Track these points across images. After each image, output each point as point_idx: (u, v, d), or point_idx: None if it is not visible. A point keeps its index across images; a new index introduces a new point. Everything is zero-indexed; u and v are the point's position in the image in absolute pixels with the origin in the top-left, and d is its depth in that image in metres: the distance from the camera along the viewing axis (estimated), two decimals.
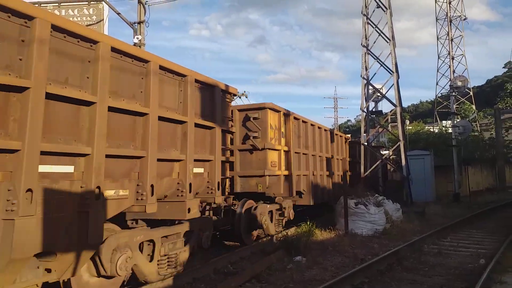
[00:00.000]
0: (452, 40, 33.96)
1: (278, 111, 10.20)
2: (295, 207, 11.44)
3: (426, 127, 47.42)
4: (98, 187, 4.55)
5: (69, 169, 4.40)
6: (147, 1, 14.67)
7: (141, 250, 5.74)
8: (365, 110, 18.95)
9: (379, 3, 18.54)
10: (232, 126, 7.93)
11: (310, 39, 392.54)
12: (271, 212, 10.11)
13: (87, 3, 14.65)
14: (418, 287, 6.32)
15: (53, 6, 14.30)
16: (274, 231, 10.21)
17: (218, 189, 6.95)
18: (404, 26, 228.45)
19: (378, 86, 20.23)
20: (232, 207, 8.92)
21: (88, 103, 4.57)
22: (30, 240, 3.83)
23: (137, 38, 14.19)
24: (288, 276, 6.73)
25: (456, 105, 32.81)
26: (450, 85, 26.24)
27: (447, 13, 33.93)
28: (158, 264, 5.96)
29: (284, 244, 8.60)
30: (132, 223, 5.98)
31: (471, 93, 37.28)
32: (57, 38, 4.31)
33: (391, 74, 18.21)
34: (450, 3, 34.00)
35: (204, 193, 6.85)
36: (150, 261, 5.88)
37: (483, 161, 31.32)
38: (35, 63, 3.94)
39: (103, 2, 14.55)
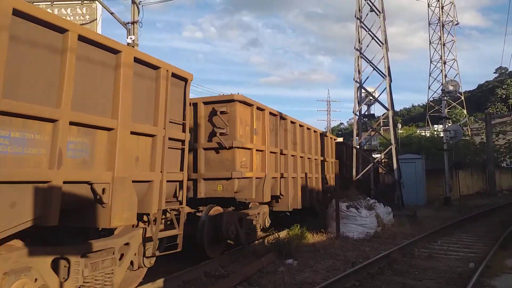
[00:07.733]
0: (444, 44, 34.30)
1: (250, 105, 8.98)
2: (275, 212, 10.78)
3: (418, 131, 47.81)
4: None
5: None
6: (140, 1, 14.62)
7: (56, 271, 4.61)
8: (357, 113, 19.02)
9: (373, 7, 18.64)
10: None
11: (302, 42, 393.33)
12: (241, 219, 8.86)
13: (80, 2, 14.55)
14: None
15: (45, 4, 14.14)
16: (246, 241, 8.97)
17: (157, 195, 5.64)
18: (397, 31, 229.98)
19: (370, 89, 20.34)
20: (197, 214, 8.05)
21: None
22: None
23: (131, 38, 14.11)
24: (279, 279, 6.71)
25: (448, 109, 33.13)
26: (441, 90, 26.48)
27: (439, 17, 34.28)
28: None
29: (275, 246, 8.59)
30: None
31: (463, 98, 37.70)
32: None
33: (383, 77, 18.31)
34: (442, 8, 34.34)
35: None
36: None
37: (474, 165, 31.66)
38: None
39: (96, 2, 14.45)
